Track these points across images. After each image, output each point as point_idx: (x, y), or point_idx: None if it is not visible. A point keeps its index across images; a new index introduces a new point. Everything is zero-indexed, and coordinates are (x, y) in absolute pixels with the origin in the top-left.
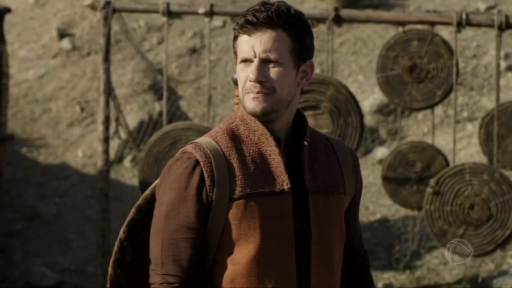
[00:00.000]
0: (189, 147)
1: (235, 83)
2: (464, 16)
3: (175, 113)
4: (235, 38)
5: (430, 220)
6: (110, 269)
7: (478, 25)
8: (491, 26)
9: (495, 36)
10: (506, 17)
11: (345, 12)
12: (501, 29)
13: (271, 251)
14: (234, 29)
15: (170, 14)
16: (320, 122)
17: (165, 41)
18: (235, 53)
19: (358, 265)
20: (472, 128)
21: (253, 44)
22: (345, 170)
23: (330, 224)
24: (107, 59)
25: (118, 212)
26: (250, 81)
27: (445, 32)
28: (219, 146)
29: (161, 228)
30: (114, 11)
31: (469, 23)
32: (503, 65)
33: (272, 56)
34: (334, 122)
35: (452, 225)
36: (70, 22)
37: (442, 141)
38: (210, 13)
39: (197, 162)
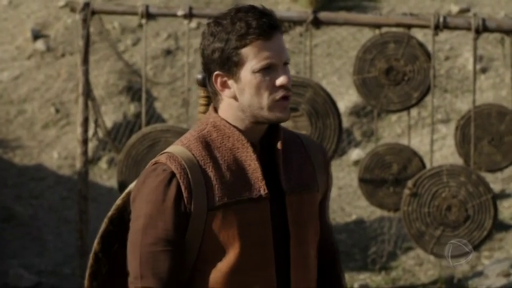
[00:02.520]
0: (162, 158)
1: (202, 84)
2: (441, 19)
3: (150, 115)
4: (244, 46)
5: (408, 221)
6: (86, 282)
7: (456, 28)
8: (468, 29)
9: (472, 39)
10: (483, 20)
11: (323, 15)
12: (478, 32)
13: (251, 257)
14: (239, 36)
15: (149, 16)
16: (298, 124)
17: (143, 43)
18: (232, 63)
19: (329, 257)
20: (446, 130)
21: (276, 49)
22: (317, 168)
23: (305, 223)
24: (85, 61)
25: (95, 214)
26: (282, 86)
27: (420, 34)
28: (193, 154)
29: (139, 242)
30: (93, 12)
31: (446, 26)
32: (476, 67)
33: (288, 60)
34: (313, 124)
35: (430, 227)
36: (44, 23)
37: (417, 143)
38: (189, 15)
39: (173, 175)
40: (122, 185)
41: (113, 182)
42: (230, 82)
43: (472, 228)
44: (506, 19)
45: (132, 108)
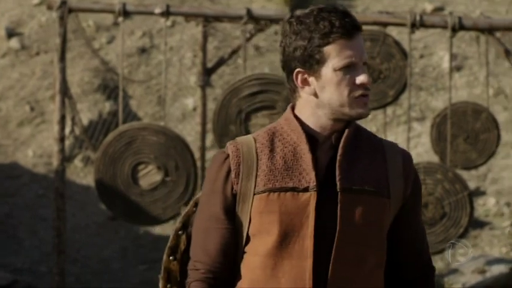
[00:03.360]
0: (228, 143)
1: None
2: (418, 17)
3: (126, 113)
4: (327, 43)
5: None
6: (164, 256)
7: (432, 26)
8: (444, 27)
9: (449, 37)
10: (460, 19)
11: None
12: (454, 30)
13: (289, 245)
14: (322, 35)
15: (126, 14)
16: None
17: (119, 41)
18: (315, 60)
19: (419, 275)
20: (420, 127)
21: (357, 48)
22: (391, 173)
23: (364, 224)
24: (62, 59)
25: (71, 211)
26: (363, 85)
27: (394, 33)
28: (255, 142)
29: (197, 217)
30: (70, 10)
31: (423, 25)
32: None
33: (367, 60)
34: None
35: None
36: (18, 21)
37: (392, 141)
38: (166, 13)
39: (227, 156)
40: (99, 183)
41: (88, 180)
42: (311, 79)
43: (448, 225)
44: (482, 18)
45: (107, 107)
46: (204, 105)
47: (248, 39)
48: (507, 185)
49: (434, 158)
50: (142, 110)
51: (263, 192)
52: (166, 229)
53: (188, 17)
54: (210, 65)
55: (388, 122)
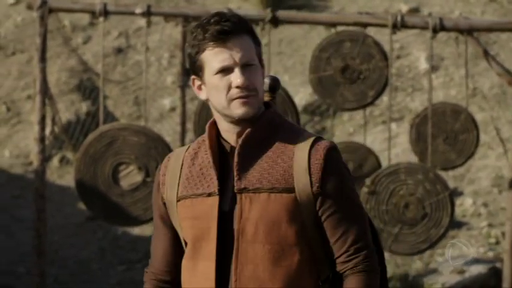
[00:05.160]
0: None
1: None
2: (399, 18)
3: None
4: (201, 51)
5: None
6: None
7: (413, 27)
8: (425, 28)
9: (429, 38)
10: (440, 20)
11: (282, 14)
12: (435, 31)
13: (201, 248)
14: (199, 42)
15: (106, 14)
16: None
17: (95, 41)
18: (197, 67)
19: (347, 269)
20: (397, 128)
21: (231, 52)
22: (296, 169)
23: (266, 223)
24: (43, 59)
25: (49, 212)
26: (237, 87)
27: (372, 33)
28: (186, 152)
29: None
30: (50, 10)
31: (404, 25)
32: (426, 66)
33: (250, 60)
34: None
35: (388, 224)
36: None
37: (370, 141)
38: (147, 13)
39: (160, 169)
40: (80, 183)
41: (65, 181)
42: (202, 85)
43: (429, 225)
44: (462, 19)
45: (84, 107)
46: (184, 105)
47: None
48: (484, 186)
49: (413, 159)
50: (119, 110)
51: (180, 199)
52: (145, 230)
53: (168, 17)
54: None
55: (364, 122)
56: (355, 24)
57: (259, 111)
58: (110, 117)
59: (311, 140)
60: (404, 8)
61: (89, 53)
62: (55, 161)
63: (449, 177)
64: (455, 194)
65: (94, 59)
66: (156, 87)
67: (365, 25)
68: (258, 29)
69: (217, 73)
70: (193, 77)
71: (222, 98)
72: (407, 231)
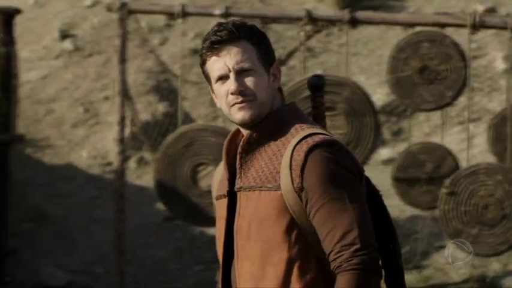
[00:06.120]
0: None
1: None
2: (477, 18)
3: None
4: (204, 62)
5: (445, 220)
6: None
7: (493, 27)
8: (504, 28)
9: (508, 38)
10: None
11: (361, 14)
12: None
13: (220, 248)
14: (201, 54)
15: (186, 15)
16: (335, 123)
17: (172, 42)
18: (207, 77)
19: (334, 268)
20: (474, 128)
21: (225, 60)
22: (282, 166)
23: (257, 220)
24: (123, 60)
25: (128, 212)
26: (231, 93)
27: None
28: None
29: None
30: (130, 12)
31: (483, 25)
32: (504, 66)
33: (245, 65)
34: (350, 123)
35: (467, 225)
36: (71, 23)
37: (447, 142)
38: (227, 15)
39: None
40: (159, 184)
41: (142, 181)
42: (213, 94)
43: (508, 226)
44: None
45: (160, 108)
46: None
47: (306, 40)
48: None
49: (491, 159)
50: (196, 111)
51: (216, 200)
52: None
53: (246, 18)
54: None
55: (441, 123)
56: (433, 24)
57: (262, 114)
58: (187, 118)
59: (301, 136)
60: (480, 8)
61: (165, 54)
62: (132, 162)
63: None
64: None
65: (171, 60)
66: None
67: (443, 25)
68: (335, 30)
69: (217, 81)
70: (210, 86)
71: (224, 105)
72: (486, 232)
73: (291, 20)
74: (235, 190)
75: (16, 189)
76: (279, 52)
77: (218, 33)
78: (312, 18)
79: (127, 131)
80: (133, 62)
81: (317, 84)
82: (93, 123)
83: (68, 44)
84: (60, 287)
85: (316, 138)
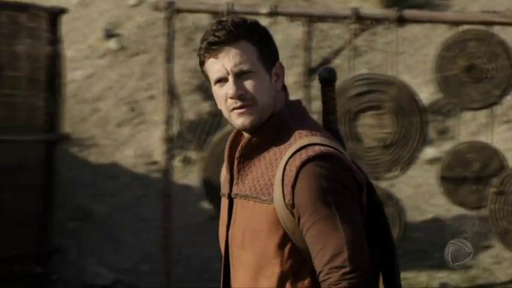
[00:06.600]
0: None
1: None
2: None
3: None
4: (203, 63)
5: (494, 219)
6: None
7: None
8: None
9: None
10: None
11: (408, 13)
12: None
13: (222, 247)
14: (199, 54)
15: (233, 14)
16: (383, 122)
17: None
18: (206, 78)
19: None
20: None
21: (223, 62)
22: (275, 179)
23: (249, 230)
24: (169, 59)
25: (175, 211)
26: (230, 98)
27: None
28: None
29: None
30: (177, 11)
31: None
32: None
33: (244, 68)
34: (398, 122)
35: None
36: (116, 22)
37: (494, 141)
38: (273, 13)
39: None
40: (207, 182)
41: (187, 180)
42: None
43: None
44: None
45: (206, 107)
46: (309, 105)
47: (353, 39)
48: None
49: None
50: None
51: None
52: None
53: (293, 17)
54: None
55: (487, 122)
56: (481, 22)
57: (263, 118)
58: None
59: (297, 147)
60: None
61: None
62: (177, 160)
63: None
64: None
65: None
66: None
67: (491, 23)
68: (380, 28)
69: (215, 84)
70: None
71: (223, 108)
72: None
73: (337, 18)
74: (232, 196)
75: (62, 188)
76: (325, 51)
77: (216, 34)
78: (359, 17)
79: (173, 130)
80: (178, 61)
81: (328, 78)
82: (138, 122)
83: (113, 43)
84: (106, 285)
85: (311, 152)
